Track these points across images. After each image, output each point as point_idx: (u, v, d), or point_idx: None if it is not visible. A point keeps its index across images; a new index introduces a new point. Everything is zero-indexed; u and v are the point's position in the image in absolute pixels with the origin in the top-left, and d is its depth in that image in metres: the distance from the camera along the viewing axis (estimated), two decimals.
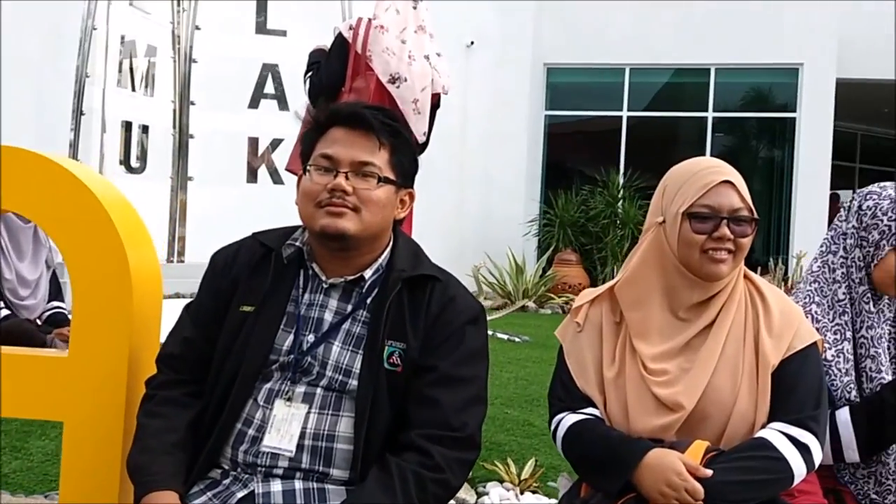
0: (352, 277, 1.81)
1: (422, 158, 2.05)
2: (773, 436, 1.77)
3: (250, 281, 1.82)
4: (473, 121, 11.51)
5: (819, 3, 11.23)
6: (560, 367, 1.99)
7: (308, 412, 1.73)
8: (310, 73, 3.78)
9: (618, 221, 11.22)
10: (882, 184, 2.09)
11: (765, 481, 1.73)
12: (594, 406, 1.91)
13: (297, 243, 1.85)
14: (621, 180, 11.69)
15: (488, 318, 3.54)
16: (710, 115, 12.22)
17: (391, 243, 1.86)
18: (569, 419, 1.91)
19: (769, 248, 11.97)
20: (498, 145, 11.63)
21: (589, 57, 11.98)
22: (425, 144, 3.83)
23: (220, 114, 9.23)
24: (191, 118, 9.10)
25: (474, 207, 11.53)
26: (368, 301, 1.79)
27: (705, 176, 1.87)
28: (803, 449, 1.76)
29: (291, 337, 1.78)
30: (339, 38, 3.74)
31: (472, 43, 11.43)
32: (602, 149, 12.66)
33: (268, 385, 1.76)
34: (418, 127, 3.70)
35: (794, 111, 11.83)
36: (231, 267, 1.86)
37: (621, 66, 12.12)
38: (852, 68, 11.52)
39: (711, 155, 10.98)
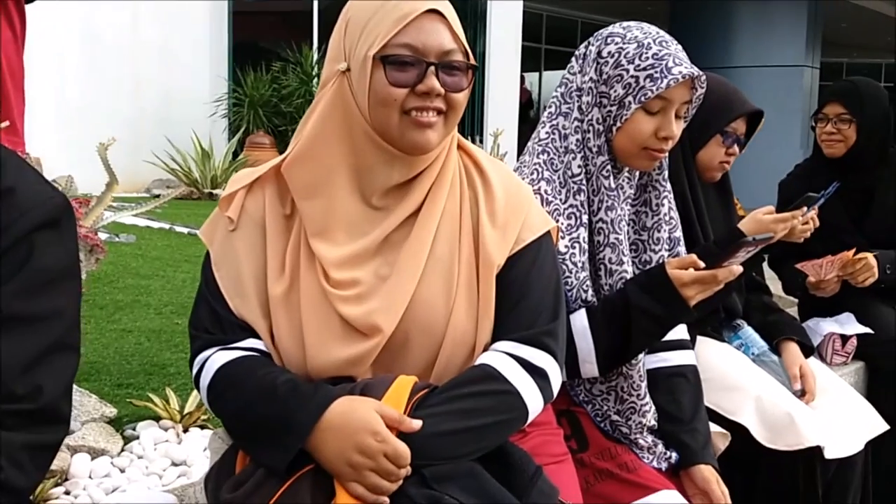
0: None
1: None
2: (501, 361, 1.30)
3: None
4: None
5: None
6: (206, 285, 1.37)
7: None
8: None
9: (313, 101, 10.53)
10: (626, 24, 1.63)
11: (492, 425, 1.26)
12: (256, 337, 1.33)
13: None
14: (315, 56, 10.94)
15: (165, 204, 2.82)
16: None
17: None
18: (218, 358, 1.31)
19: (464, 128, 11.95)
20: (176, 16, 10.28)
21: None
22: None
23: None
24: None
25: (152, 86, 10.21)
26: None
27: (403, 4, 1.29)
28: (539, 375, 1.31)
29: None
30: None
31: None
32: (295, 25, 11.75)
33: None
34: None
35: None
36: None
37: None
38: None
39: None
